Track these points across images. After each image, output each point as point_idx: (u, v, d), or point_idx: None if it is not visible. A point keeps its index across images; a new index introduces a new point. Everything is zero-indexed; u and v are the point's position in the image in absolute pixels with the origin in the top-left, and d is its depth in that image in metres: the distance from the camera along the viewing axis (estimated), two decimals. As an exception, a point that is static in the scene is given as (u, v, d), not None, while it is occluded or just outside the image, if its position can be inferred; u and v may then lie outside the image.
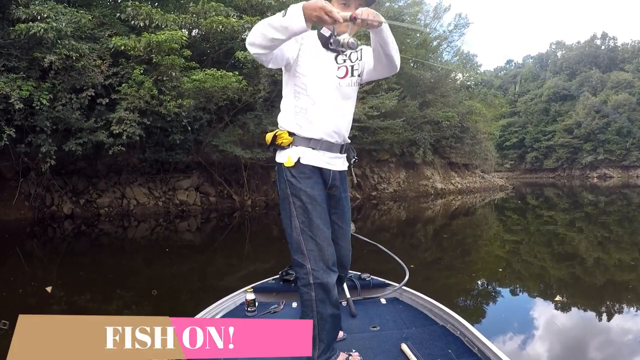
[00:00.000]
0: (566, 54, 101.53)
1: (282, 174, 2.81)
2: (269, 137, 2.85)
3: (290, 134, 2.79)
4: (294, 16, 2.31)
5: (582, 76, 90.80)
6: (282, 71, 2.89)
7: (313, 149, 2.81)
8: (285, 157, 2.79)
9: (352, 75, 2.87)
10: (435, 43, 39.06)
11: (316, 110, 2.80)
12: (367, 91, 23.04)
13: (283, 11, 2.35)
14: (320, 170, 2.85)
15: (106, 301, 6.74)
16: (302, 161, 2.78)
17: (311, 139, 2.81)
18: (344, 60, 2.84)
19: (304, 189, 2.76)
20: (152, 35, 15.44)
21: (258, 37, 2.44)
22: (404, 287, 4.34)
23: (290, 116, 2.82)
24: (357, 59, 2.91)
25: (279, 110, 2.93)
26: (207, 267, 9.60)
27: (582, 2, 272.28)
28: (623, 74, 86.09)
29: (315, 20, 2.32)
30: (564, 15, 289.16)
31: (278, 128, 2.87)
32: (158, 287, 7.63)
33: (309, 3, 2.29)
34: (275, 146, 2.84)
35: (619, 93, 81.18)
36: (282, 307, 4.16)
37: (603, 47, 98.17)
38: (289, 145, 2.79)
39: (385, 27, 2.54)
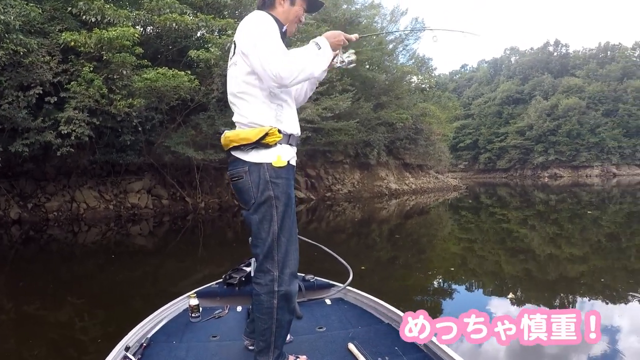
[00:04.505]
0: (520, 60, 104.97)
1: (263, 175, 2.63)
2: (252, 134, 2.63)
3: (279, 131, 2.66)
4: (327, 48, 2.70)
5: (535, 81, 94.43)
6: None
7: (291, 145, 2.76)
8: (273, 156, 2.64)
9: None
10: (391, 46, 39.35)
11: (289, 106, 2.81)
12: (321, 92, 22.95)
13: (315, 45, 2.67)
14: (293, 169, 2.80)
15: (57, 309, 6.60)
16: (291, 161, 2.73)
17: (290, 134, 2.75)
18: None
19: (287, 192, 2.68)
20: (104, 31, 15.03)
21: (303, 74, 2.56)
22: (348, 287, 4.35)
23: (269, 111, 2.68)
24: None
25: (246, 107, 2.73)
26: (160, 271, 9.49)
27: (536, 9, 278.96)
28: (574, 79, 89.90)
29: (336, 47, 2.80)
30: (518, 22, 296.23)
31: (246, 125, 2.69)
32: (112, 293, 7.44)
33: (331, 33, 2.79)
34: (259, 145, 2.64)
35: (569, 97, 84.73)
36: (226, 311, 4.10)
37: (555, 54, 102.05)
38: (275, 144, 2.65)
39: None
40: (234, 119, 2.80)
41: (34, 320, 6.05)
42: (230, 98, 2.85)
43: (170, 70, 16.28)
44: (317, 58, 2.60)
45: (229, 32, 17.45)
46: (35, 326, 5.74)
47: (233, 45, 2.78)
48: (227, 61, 2.91)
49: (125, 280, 8.35)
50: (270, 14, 2.72)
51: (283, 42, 2.63)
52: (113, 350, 3.00)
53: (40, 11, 15.11)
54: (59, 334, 5.48)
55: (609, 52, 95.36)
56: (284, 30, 2.76)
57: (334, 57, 2.84)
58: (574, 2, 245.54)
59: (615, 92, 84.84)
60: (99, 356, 3.13)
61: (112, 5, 16.26)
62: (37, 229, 15.46)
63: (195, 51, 17.19)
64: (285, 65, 2.46)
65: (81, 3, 15.61)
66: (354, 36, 2.92)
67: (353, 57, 2.94)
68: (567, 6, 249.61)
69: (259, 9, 2.83)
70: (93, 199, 18.84)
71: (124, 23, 16.00)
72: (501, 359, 4.66)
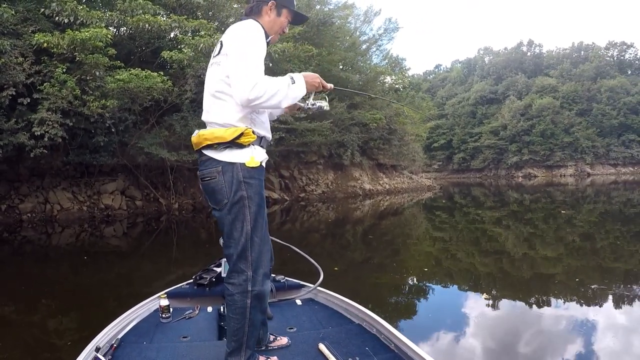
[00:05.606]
0: (493, 60, 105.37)
1: (236, 175, 2.67)
2: (228, 133, 2.67)
3: (253, 132, 2.71)
4: (302, 86, 2.74)
5: (508, 81, 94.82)
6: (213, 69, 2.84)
7: (262, 147, 2.82)
8: (247, 157, 2.68)
9: None
10: (364, 46, 39.49)
11: (263, 110, 2.89)
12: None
13: (289, 79, 2.68)
14: (264, 170, 2.82)
15: (29, 310, 6.55)
16: (262, 163, 2.76)
17: (263, 137, 2.82)
18: None
19: (260, 192, 2.72)
20: (76, 32, 14.97)
21: (271, 101, 2.60)
22: (319, 288, 4.36)
23: (245, 113, 2.72)
24: None
25: (222, 107, 2.77)
26: (134, 272, 9.43)
27: (510, 9, 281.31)
28: (548, 79, 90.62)
29: (311, 88, 2.85)
30: (492, 22, 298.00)
31: (221, 125, 2.73)
32: (85, 294, 7.45)
33: (309, 74, 2.82)
34: (234, 144, 2.68)
35: (543, 97, 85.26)
36: (197, 312, 4.09)
37: (529, 54, 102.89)
38: (249, 145, 2.70)
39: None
40: (208, 118, 2.82)
41: (5, 321, 6.04)
42: (206, 97, 2.85)
43: (143, 71, 16.25)
44: (288, 91, 2.64)
45: (202, 32, 17.43)
46: (7, 327, 5.74)
47: (219, 45, 2.80)
48: (200, 62, 2.96)
49: (99, 282, 8.32)
50: (257, 21, 2.78)
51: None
52: (83, 351, 2.99)
53: (12, 12, 14.98)
54: (30, 335, 5.47)
55: (582, 52, 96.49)
56: (268, 40, 2.82)
57: (306, 98, 2.96)
58: (547, 2, 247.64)
59: (589, 92, 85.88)
60: (70, 357, 3.14)
61: (84, 6, 16.19)
62: (10, 231, 15.31)
63: (169, 52, 17.14)
64: (257, 87, 2.51)
65: (54, 4, 15.52)
66: (329, 85, 2.97)
67: (325, 103, 3.08)
68: (541, 6, 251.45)
69: (246, 14, 2.90)
70: (67, 200, 18.69)
71: (97, 24, 15.91)
72: (474, 359, 4.69)
